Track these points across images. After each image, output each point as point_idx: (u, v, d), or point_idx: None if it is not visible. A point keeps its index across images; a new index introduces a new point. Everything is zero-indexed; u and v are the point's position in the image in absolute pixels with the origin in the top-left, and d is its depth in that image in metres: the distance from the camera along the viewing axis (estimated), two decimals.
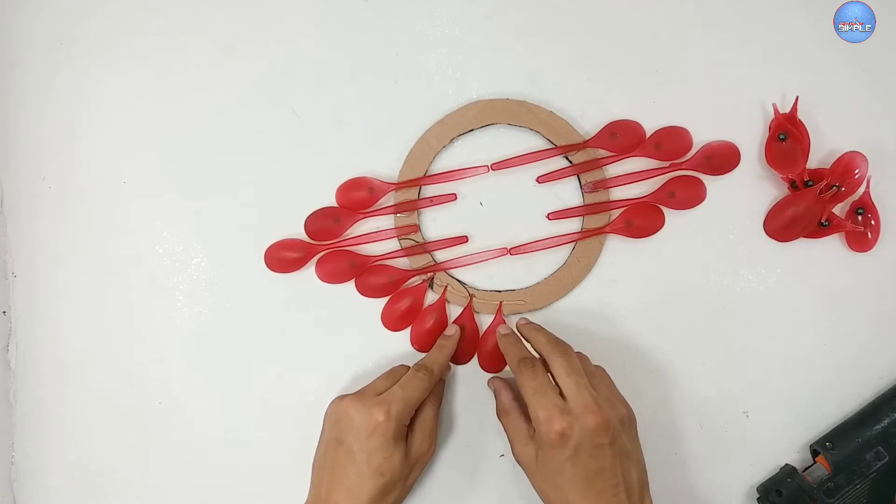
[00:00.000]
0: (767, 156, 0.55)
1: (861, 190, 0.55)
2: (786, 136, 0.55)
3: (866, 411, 0.54)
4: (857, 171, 0.55)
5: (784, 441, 0.56)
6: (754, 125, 0.56)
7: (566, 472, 0.44)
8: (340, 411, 0.48)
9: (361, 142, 0.57)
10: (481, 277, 0.57)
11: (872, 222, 0.55)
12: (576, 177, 0.56)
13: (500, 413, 0.51)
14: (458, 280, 0.56)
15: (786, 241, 0.56)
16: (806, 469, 0.54)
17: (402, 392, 0.48)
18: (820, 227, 0.55)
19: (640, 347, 0.56)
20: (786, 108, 0.55)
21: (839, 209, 0.56)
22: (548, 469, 0.45)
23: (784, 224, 0.55)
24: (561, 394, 0.45)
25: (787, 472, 0.54)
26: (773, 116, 0.55)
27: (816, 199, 0.54)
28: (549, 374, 0.47)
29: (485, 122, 0.56)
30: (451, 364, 0.55)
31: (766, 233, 0.56)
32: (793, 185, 0.55)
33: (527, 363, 0.48)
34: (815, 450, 0.54)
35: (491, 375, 0.55)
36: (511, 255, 0.56)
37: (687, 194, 0.56)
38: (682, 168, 0.55)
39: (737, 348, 0.56)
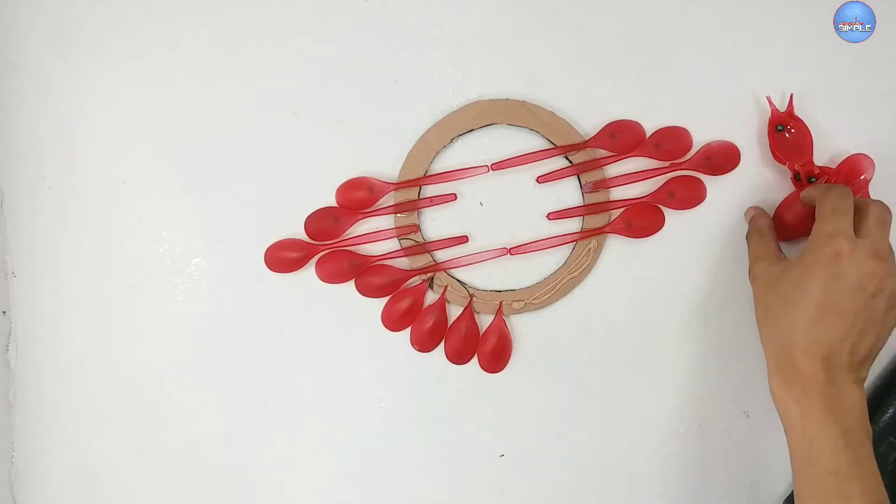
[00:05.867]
0: (771, 146, 0.55)
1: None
2: (783, 128, 0.55)
3: (869, 405, 0.53)
4: (863, 176, 0.54)
5: (784, 440, 0.56)
6: (754, 125, 0.56)
7: (812, 291, 0.43)
8: None
9: (361, 142, 0.57)
10: (481, 277, 0.57)
11: None
12: (576, 177, 0.56)
13: (754, 233, 0.51)
14: (458, 280, 0.56)
15: (788, 241, 0.55)
16: None
17: None
18: None
19: (640, 347, 0.56)
20: (783, 109, 0.55)
21: None
22: (792, 286, 0.44)
23: (787, 224, 0.55)
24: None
25: None
26: (770, 112, 0.55)
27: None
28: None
29: (485, 122, 0.56)
30: None
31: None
32: (796, 178, 0.55)
33: (839, 187, 0.46)
34: None
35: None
36: (511, 255, 0.56)
37: (687, 194, 0.56)
38: (682, 168, 0.55)
39: (737, 348, 0.56)
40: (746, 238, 0.52)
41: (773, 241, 0.50)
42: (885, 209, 0.46)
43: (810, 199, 0.50)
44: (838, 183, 0.54)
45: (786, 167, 0.55)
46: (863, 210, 0.46)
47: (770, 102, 0.55)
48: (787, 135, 0.55)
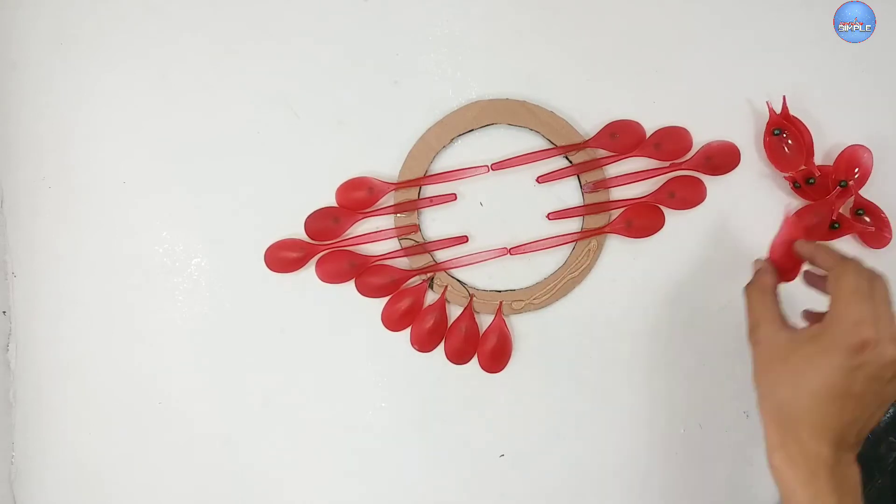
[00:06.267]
0: (768, 154, 0.55)
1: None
2: (781, 132, 0.54)
3: None
4: (857, 168, 0.54)
5: None
6: (754, 125, 0.56)
7: (828, 377, 0.41)
8: None
9: (361, 142, 0.57)
10: (481, 277, 0.56)
11: (882, 217, 0.55)
12: (576, 177, 0.56)
13: (756, 290, 0.48)
14: (458, 280, 0.56)
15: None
16: None
17: None
18: (830, 230, 0.54)
19: (640, 347, 0.56)
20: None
21: (844, 210, 0.55)
22: (805, 363, 0.42)
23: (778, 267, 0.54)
24: None
25: None
26: (769, 116, 0.55)
27: (825, 202, 0.54)
28: None
29: (485, 122, 0.56)
30: None
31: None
32: (795, 185, 0.55)
33: (856, 262, 0.43)
34: None
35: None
36: (511, 255, 0.56)
37: (687, 194, 0.56)
38: (682, 168, 0.55)
39: (737, 348, 0.56)
40: (745, 291, 0.49)
41: (777, 302, 0.47)
42: (887, 286, 0.44)
43: (811, 257, 0.47)
44: (839, 177, 0.54)
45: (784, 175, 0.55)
46: (871, 284, 0.43)
47: (769, 106, 0.55)
48: (784, 146, 0.54)
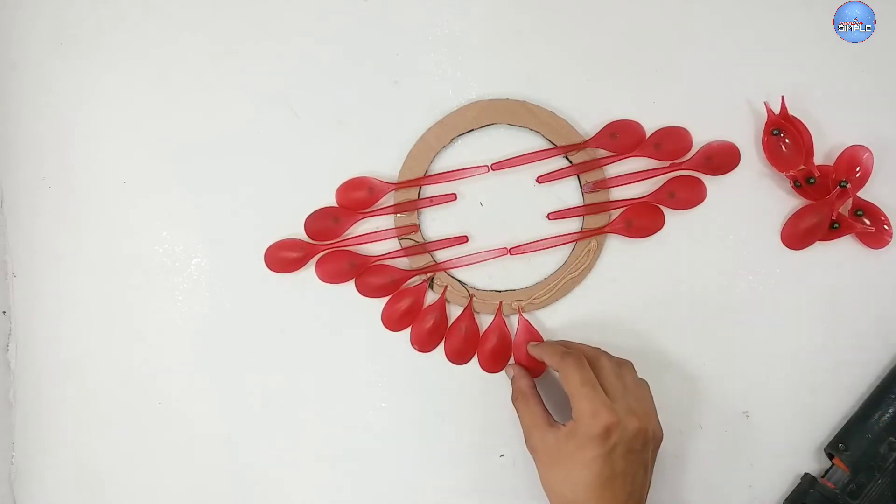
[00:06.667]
0: (766, 154, 0.55)
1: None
2: (780, 132, 0.54)
3: (869, 405, 0.54)
4: (859, 167, 0.54)
5: (784, 441, 0.56)
6: (754, 125, 0.56)
7: (592, 468, 0.45)
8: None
9: (361, 142, 0.57)
10: (481, 277, 0.56)
11: (882, 217, 0.55)
12: (576, 177, 0.56)
13: (519, 398, 0.52)
14: (458, 280, 0.56)
15: (802, 249, 0.55)
16: (825, 474, 0.54)
17: None
18: (831, 230, 0.54)
19: (640, 347, 0.56)
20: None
21: (843, 211, 0.55)
22: (571, 461, 0.46)
23: (802, 233, 0.55)
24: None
25: (808, 482, 0.54)
26: (767, 116, 0.55)
27: (825, 202, 0.54)
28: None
29: (485, 122, 0.56)
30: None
31: (784, 243, 0.55)
32: (796, 184, 0.55)
33: (572, 356, 0.48)
34: (830, 452, 0.54)
35: (509, 363, 0.56)
36: (511, 255, 0.56)
37: (687, 194, 0.56)
38: (682, 168, 0.55)
39: (736, 348, 0.56)
40: (512, 402, 0.52)
41: (539, 403, 0.51)
42: (613, 360, 0.49)
43: (540, 357, 0.52)
44: (839, 178, 0.54)
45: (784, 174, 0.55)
46: (594, 364, 0.48)
47: (767, 107, 0.55)
48: (783, 146, 0.54)
